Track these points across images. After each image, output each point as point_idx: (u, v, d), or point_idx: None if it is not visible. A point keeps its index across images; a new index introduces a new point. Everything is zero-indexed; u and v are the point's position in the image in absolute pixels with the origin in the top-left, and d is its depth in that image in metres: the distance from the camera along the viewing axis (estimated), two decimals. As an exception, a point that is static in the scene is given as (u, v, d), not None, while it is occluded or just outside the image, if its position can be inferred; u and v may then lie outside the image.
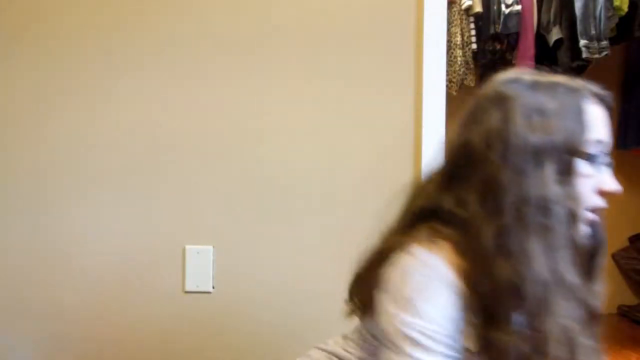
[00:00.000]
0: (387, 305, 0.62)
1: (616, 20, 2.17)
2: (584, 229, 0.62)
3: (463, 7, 2.26)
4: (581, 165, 0.61)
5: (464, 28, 2.30)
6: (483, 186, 0.60)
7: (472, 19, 2.30)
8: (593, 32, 2.12)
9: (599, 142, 0.62)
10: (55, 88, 1.24)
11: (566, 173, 0.59)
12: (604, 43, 2.12)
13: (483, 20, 2.29)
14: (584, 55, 2.12)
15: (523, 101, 0.61)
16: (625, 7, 2.15)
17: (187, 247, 1.24)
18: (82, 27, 1.23)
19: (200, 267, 1.24)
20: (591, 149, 0.61)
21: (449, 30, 2.23)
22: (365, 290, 0.70)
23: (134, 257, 1.23)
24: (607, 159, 0.63)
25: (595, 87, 0.65)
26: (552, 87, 0.63)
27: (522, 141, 0.59)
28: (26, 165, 1.23)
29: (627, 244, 2.79)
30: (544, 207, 0.58)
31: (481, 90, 0.67)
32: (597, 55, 2.12)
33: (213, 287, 1.24)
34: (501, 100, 0.62)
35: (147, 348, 1.24)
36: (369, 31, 1.21)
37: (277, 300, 1.23)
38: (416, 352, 0.58)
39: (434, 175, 0.70)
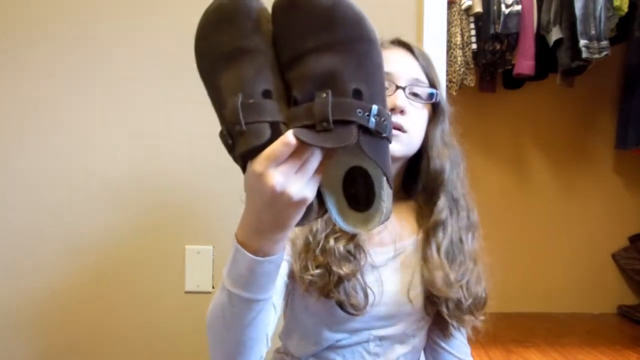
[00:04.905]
0: None
1: (616, 20, 2.18)
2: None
3: (463, 7, 2.26)
4: None
5: (464, 28, 2.30)
6: None
7: (472, 19, 2.30)
8: (593, 32, 2.12)
9: (386, 73, 0.80)
10: (60, 90, 1.24)
11: None
12: (604, 43, 2.12)
13: (483, 20, 2.29)
14: (584, 55, 2.12)
15: None
16: (625, 7, 2.16)
17: (187, 247, 1.24)
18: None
19: (200, 267, 1.24)
20: None
21: (449, 30, 2.23)
22: None
23: (134, 257, 1.23)
24: (401, 84, 0.81)
25: (394, 36, 0.88)
26: None
27: None
28: (30, 164, 1.23)
29: (627, 244, 2.79)
30: None
31: None
32: (597, 55, 2.12)
33: (213, 287, 1.24)
34: None
35: (148, 348, 1.24)
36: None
37: (277, 300, 1.23)
38: None
39: None
